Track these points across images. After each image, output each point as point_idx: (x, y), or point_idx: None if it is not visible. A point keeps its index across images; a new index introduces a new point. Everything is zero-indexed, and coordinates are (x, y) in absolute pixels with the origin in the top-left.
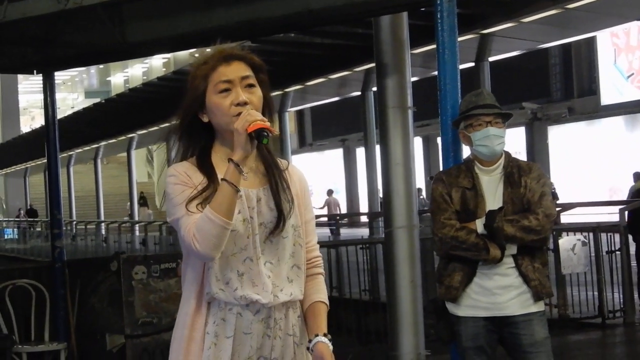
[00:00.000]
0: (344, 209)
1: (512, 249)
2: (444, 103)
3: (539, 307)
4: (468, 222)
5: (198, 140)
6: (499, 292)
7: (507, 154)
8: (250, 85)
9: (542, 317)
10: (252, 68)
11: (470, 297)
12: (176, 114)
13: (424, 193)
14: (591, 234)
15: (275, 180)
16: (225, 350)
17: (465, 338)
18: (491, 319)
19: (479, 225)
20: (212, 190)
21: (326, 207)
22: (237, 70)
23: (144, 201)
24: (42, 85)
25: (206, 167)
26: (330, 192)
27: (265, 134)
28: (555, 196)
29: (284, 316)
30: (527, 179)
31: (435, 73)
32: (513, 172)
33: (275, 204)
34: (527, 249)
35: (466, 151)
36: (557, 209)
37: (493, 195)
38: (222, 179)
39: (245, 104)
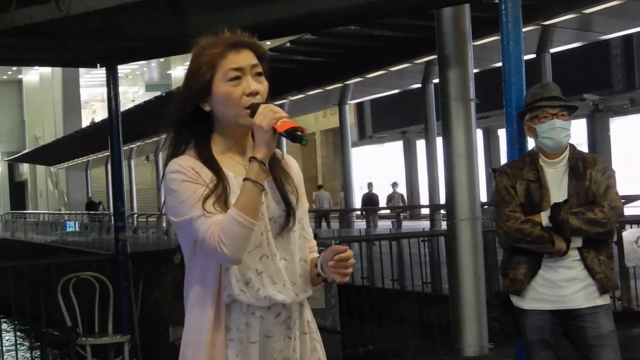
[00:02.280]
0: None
1: (577, 242)
2: (509, 95)
3: (605, 300)
4: (532, 214)
5: (195, 131)
6: (564, 285)
7: (572, 147)
8: (259, 74)
9: (608, 310)
10: (257, 57)
11: (535, 290)
12: (174, 104)
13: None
14: None
15: (278, 173)
16: (252, 357)
17: (530, 331)
18: (556, 312)
19: (544, 217)
20: (222, 188)
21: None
22: (247, 58)
23: None
24: (103, 79)
25: (211, 162)
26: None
27: (300, 134)
28: None
29: (299, 315)
30: (592, 172)
31: (495, 65)
32: (578, 164)
33: (282, 197)
34: (593, 242)
35: (531, 143)
36: (622, 201)
37: (558, 187)
38: (245, 179)
39: (256, 93)
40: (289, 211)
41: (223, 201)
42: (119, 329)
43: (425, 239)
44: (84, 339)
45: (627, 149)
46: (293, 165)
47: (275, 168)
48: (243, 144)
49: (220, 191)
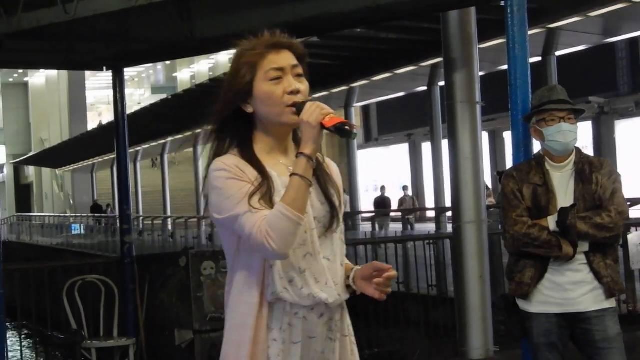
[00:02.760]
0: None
1: (584, 246)
2: (515, 98)
3: (611, 303)
4: (539, 218)
5: (237, 131)
6: (571, 288)
7: (578, 150)
8: (299, 75)
9: (615, 313)
10: (297, 58)
11: (542, 293)
12: (217, 104)
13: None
14: None
15: (322, 174)
16: (294, 357)
17: (537, 334)
18: (563, 315)
19: (551, 222)
20: (267, 186)
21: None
22: (287, 58)
23: None
24: (109, 82)
25: (255, 161)
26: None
27: (348, 128)
28: None
29: (340, 317)
30: (598, 175)
31: (501, 67)
32: (584, 168)
33: (326, 198)
34: (599, 246)
35: (536, 147)
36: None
37: (564, 191)
38: (292, 174)
39: (297, 92)
40: (333, 212)
41: (268, 199)
42: (124, 332)
43: (431, 241)
44: (89, 342)
45: (632, 151)
46: (334, 169)
47: (318, 170)
48: (285, 145)
49: (265, 189)
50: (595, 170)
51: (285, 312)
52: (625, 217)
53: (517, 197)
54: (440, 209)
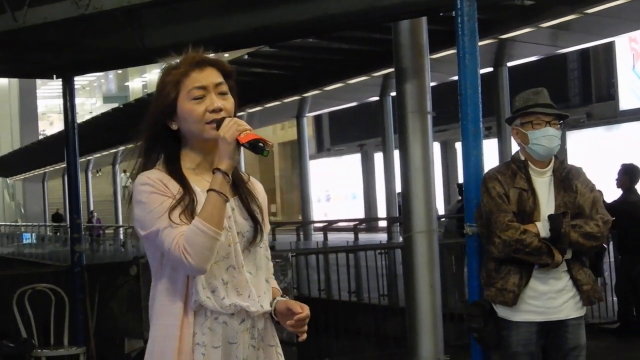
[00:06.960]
0: (361, 214)
1: (568, 254)
2: (465, 108)
3: (584, 311)
4: (523, 224)
5: (164, 148)
6: (553, 296)
7: (557, 157)
8: (224, 93)
9: (584, 322)
10: (223, 75)
11: (525, 302)
12: (143, 121)
13: None
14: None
15: (244, 192)
16: None
17: (517, 343)
18: (544, 324)
19: (542, 228)
20: (189, 199)
21: None
22: (211, 76)
23: None
24: (60, 91)
25: (179, 176)
26: None
27: (262, 145)
28: None
29: (264, 326)
30: (577, 184)
31: (453, 78)
32: (566, 176)
33: (249, 214)
34: (577, 254)
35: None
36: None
37: (546, 198)
38: (209, 189)
39: (220, 110)
40: (257, 226)
41: (189, 213)
42: (74, 341)
43: (383, 251)
44: (39, 350)
45: (583, 162)
46: (258, 188)
47: (241, 188)
48: (211, 160)
49: (187, 202)
50: (574, 179)
51: (206, 317)
52: (609, 227)
53: (504, 200)
54: (391, 219)
